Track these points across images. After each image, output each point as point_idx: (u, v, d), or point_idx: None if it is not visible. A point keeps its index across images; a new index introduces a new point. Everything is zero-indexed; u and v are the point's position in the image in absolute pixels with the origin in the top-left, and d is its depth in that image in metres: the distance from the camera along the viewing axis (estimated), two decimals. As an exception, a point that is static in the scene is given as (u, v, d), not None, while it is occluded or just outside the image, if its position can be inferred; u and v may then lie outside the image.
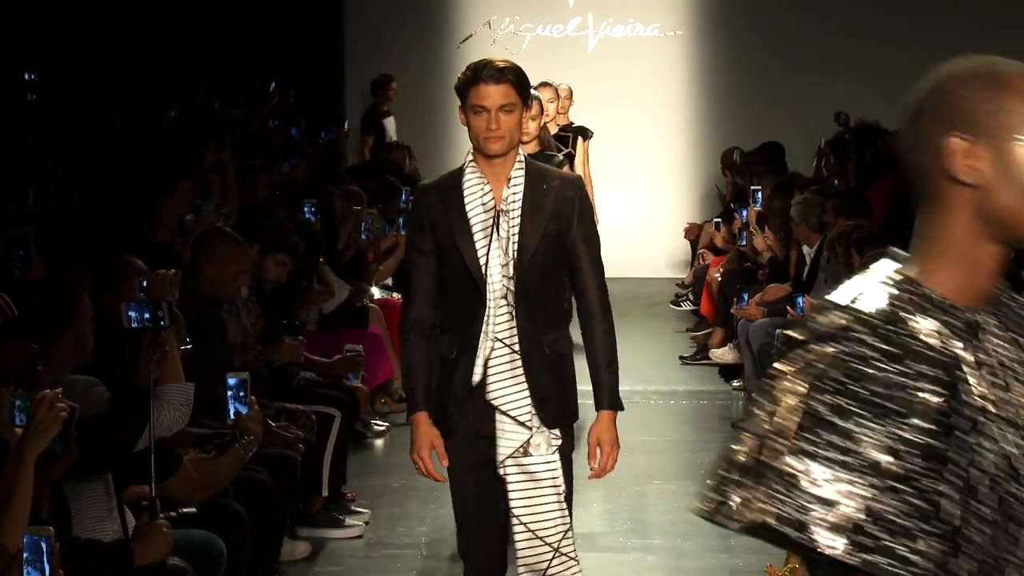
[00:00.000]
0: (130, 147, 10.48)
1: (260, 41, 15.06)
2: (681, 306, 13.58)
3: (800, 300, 9.17)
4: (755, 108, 15.55)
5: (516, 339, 4.93)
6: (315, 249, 8.95)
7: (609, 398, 5.06)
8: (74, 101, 12.04)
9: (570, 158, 10.65)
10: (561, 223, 4.99)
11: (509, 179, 4.98)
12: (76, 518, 5.05)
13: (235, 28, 15.08)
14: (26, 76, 12.29)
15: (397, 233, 10.47)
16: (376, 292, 10.37)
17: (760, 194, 11.38)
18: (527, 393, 4.93)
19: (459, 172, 5.03)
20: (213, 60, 14.50)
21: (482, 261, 4.93)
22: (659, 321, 13.40)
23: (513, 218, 4.95)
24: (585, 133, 11.13)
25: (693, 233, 14.15)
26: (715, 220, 13.09)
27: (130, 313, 5.48)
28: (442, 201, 4.99)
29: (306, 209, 9.56)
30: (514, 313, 4.93)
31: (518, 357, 4.93)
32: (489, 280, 4.92)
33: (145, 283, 6.02)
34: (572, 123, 11.22)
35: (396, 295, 10.64)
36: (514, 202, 4.96)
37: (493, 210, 4.96)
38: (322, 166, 12.53)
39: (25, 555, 4.15)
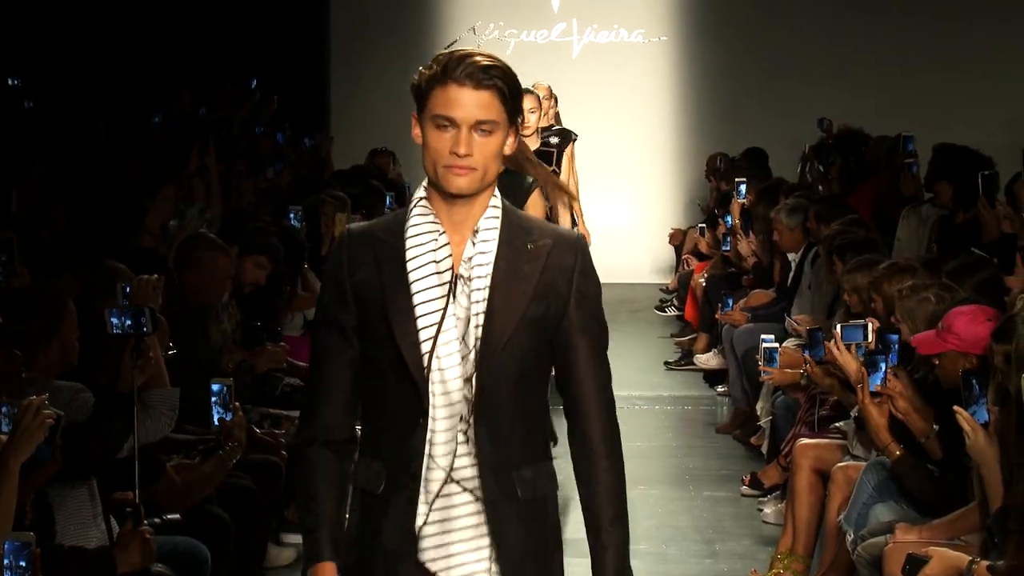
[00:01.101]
0: (115, 152, 10.46)
1: (245, 46, 15.05)
2: (666, 311, 13.59)
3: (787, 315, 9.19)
4: (739, 114, 15.57)
5: (476, 475, 3.40)
6: (299, 254, 8.94)
7: (616, 567, 3.47)
8: (58, 106, 12.01)
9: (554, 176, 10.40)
10: (551, 303, 3.42)
11: (476, 231, 3.42)
12: (60, 525, 5.03)
13: (220, 34, 15.07)
14: (9, 82, 12.27)
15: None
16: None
17: (744, 187, 11.44)
18: (491, 559, 3.42)
19: (403, 214, 3.47)
20: (198, 66, 14.48)
21: (425, 349, 3.36)
22: (643, 326, 13.41)
23: (478, 289, 3.38)
24: (568, 136, 10.94)
25: (678, 238, 14.16)
26: (700, 225, 13.11)
27: (113, 319, 5.47)
28: (375, 254, 3.43)
29: (292, 215, 9.55)
30: (471, 434, 3.38)
31: (479, 503, 3.41)
32: (433, 381, 3.36)
33: (128, 289, 6.01)
34: (553, 125, 11.04)
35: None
36: (481, 265, 3.39)
37: (449, 272, 3.40)
38: (307, 172, 12.52)
39: (5, 561, 4.14)
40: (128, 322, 5.47)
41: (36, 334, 5.35)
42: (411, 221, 3.43)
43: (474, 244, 3.42)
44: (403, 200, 12.30)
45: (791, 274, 9.84)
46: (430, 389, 3.36)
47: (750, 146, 13.52)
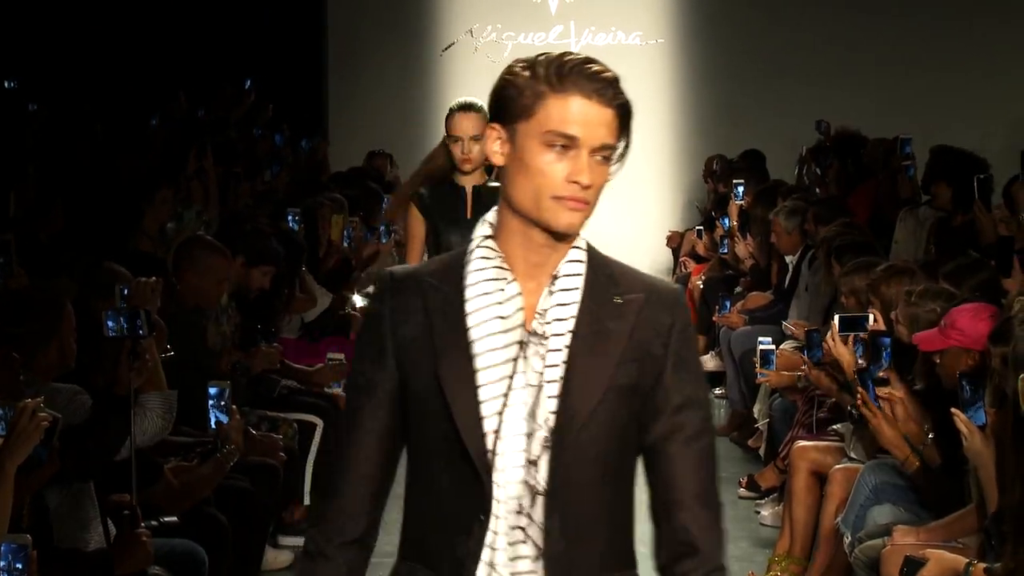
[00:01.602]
0: (112, 153, 10.47)
1: (242, 47, 15.05)
2: (663, 314, 13.55)
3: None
4: (737, 116, 15.56)
5: None
6: (297, 257, 8.94)
7: None
8: (56, 107, 12.02)
9: None
10: (643, 368, 2.76)
11: (556, 276, 2.77)
12: (57, 527, 5.03)
13: (217, 35, 15.06)
14: (6, 84, 12.27)
15: (379, 241, 10.46)
16: (358, 300, 10.36)
17: (741, 189, 11.46)
18: None
19: (461, 256, 2.81)
20: (195, 68, 14.48)
21: (489, 427, 2.71)
22: (641, 329, 13.39)
23: (554, 350, 2.73)
24: None
25: (675, 241, 14.16)
26: (697, 228, 13.11)
27: (109, 322, 5.47)
28: (425, 305, 2.78)
29: (290, 218, 9.56)
30: (539, 533, 2.73)
31: None
32: (500, 467, 2.71)
33: (126, 291, 6.01)
34: None
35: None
36: (560, 320, 2.74)
37: (519, 331, 2.74)
38: (304, 174, 12.53)
39: (3, 563, 4.14)
40: (125, 324, 5.47)
41: (35, 335, 5.35)
42: (472, 264, 2.77)
43: (551, 293, 2.75)
44: (401, 202, 12.28)
45: (788, 276, 9.84)
46: (494, 478, 2.70)
47: (748, 148, 13.53)
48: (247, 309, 7.92)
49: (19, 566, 4.16)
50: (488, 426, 2.69)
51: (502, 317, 2.73)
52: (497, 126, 2.76)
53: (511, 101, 2.73)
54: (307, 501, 7.67)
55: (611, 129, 2.74)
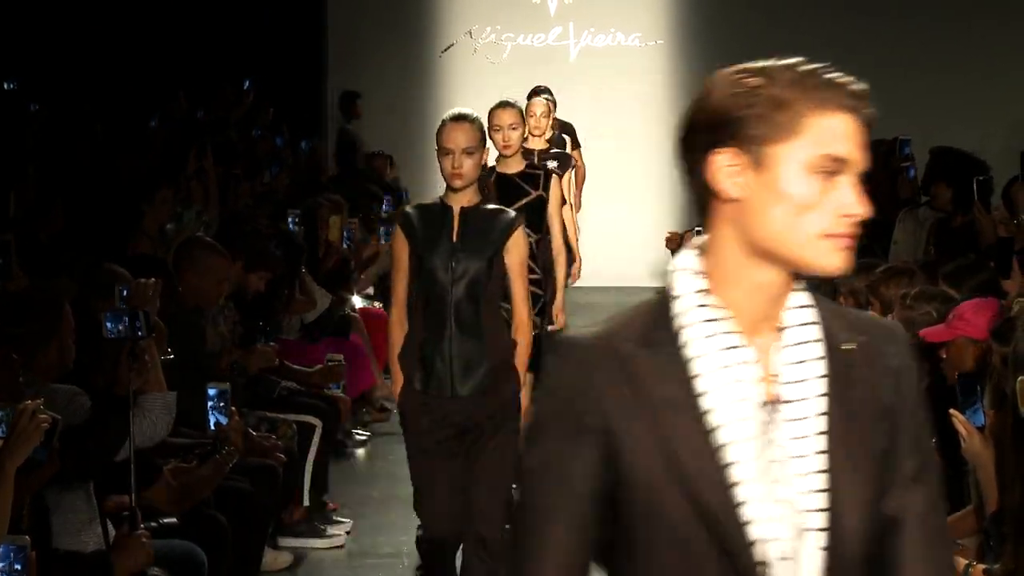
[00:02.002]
0: (112, 153, 10.48)
1: (242, 48, 15.06)
2: (663, 315, 13.55)
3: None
4: (736, 117, 15.57)
5: None
6: (297, 258, 8.95)
7: None
8: (56, 107, 12.02)
9: (541, 203, 8.10)
10: (887, 427, 2.26)
11: (780, 329, 2.25)
12: (57, 528, 5.03)
13: (217, 35, 15.08)
14: (5, 85, 12.29)
15: (377, 243, 10.46)
16: (358, 301, 10.36)
17: None
18: None
19: (662, 313, 2.24)
20: (195, 68, 14.49)
21: (758, 535, 2.18)
22: (641, 330, 13.38)
23: (799, 418, 2.21)
24: (568, 162, 10.07)
25: (675, 242, 14.12)
26: (697, 228, 13.12)
27: (109, 323, 5.46)
28: (630, 378, 2.20)
29: (290, 219, 9.56)
30: None
31: None
32: None
33: (126, 292, 6.01)
34: (550, 147, 10.00)
35: (378, 304, 10.63)
36: (803, 382, 2.22)
37: (763, 407, 2.21)
38: (304, 176, 12.54)
39: (1, 564, 4.14)
40: (124, 326, 5.47)
41: (35, 335, 5.34)
42: (693, 330, 2.21)
43: (780, 349, 2.22)
44: (400, 204, 12.26)
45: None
46: None
47: (747, 149, 13.53)
48: (246, 309, 7.92)
49: (18, 567, 4.16)
50: (757, 533, 2.17)
51: (746, 395, 2.19)
52: (729, 151, 2.24)
53: (756, 120, 2.19)
54: (306, 502, 7.68)
55: (867, 151, 2.24)
